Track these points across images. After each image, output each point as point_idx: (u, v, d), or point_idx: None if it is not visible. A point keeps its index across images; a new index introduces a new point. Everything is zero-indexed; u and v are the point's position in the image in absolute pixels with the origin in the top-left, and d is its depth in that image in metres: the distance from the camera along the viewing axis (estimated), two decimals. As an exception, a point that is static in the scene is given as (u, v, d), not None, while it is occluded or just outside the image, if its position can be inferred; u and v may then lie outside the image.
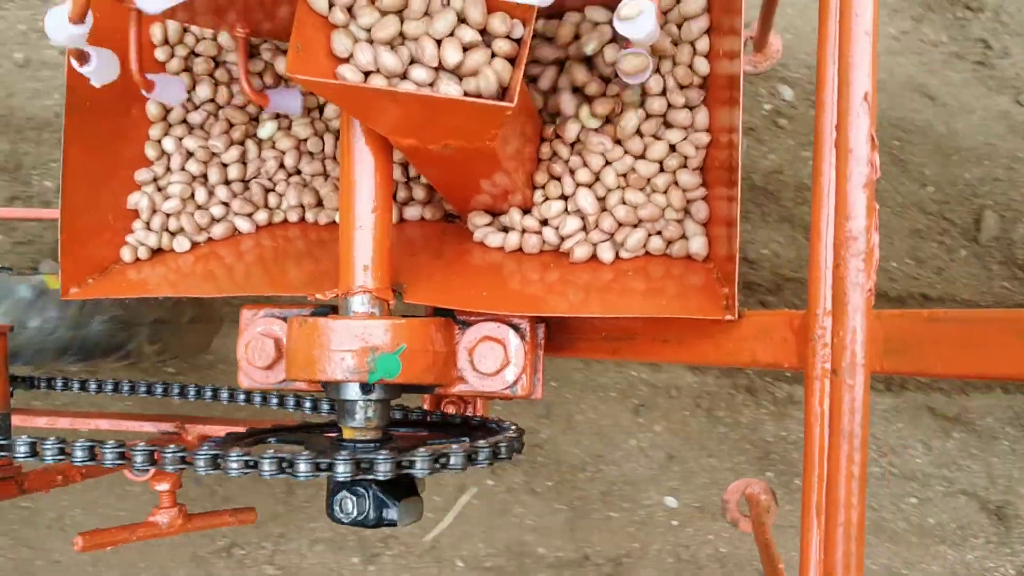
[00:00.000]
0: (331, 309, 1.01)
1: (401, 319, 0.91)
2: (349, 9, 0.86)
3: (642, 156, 1.03)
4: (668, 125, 1.03)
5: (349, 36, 0.86)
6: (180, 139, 1.19)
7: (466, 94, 0.83)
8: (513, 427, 0.97)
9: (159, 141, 1.19)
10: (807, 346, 0.80)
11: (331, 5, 0.86)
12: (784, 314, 0.86)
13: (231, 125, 1.20)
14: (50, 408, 1.59)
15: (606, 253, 1.03)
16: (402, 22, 0.86)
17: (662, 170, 1.03)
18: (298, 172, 1.21)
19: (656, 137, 1.03)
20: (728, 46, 0.93)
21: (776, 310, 0.92)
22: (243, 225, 1.17)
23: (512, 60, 0.86)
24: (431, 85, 0.85)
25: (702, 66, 1.01)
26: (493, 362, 0.98)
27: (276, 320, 1.02)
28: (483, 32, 0.85)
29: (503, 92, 0.85)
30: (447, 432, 1.06)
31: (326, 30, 0.86)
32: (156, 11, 0.83)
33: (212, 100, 1.19)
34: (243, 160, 1.19)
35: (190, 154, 1.18)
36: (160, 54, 1.18)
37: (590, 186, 1.04)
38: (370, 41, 0.85)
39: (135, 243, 1.15)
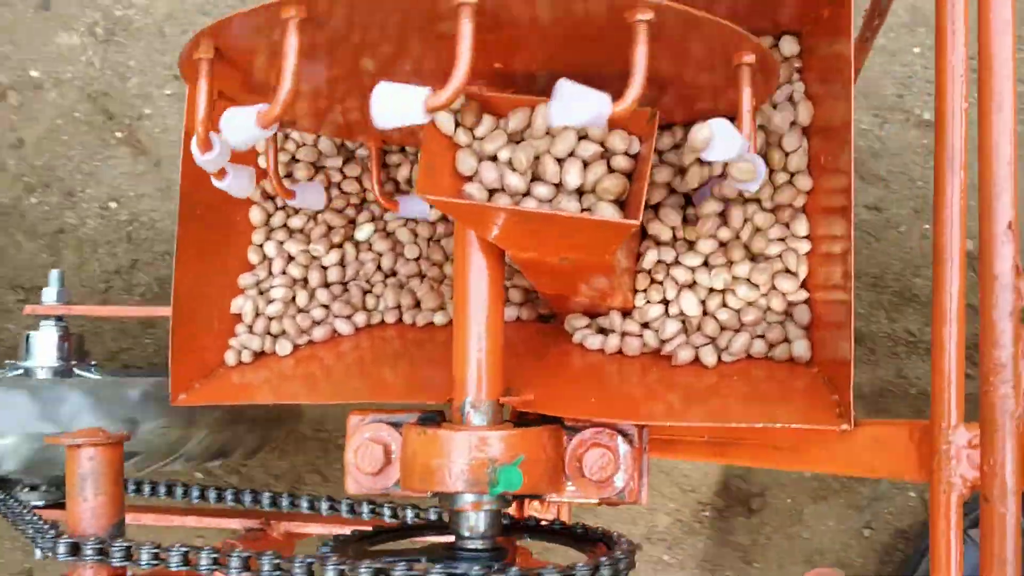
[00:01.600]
0: (439, 415, 1.02)
1: (517, 429, 0.93)
2: (472, 130, 0.89)
3: (743, 261, 1.05)
4: (769, 230, 1.05)
5: (473, 155, 0.89)
6: (281, 243, 1.22)
7: (585, 211, 0.86)
8: (625, 540, 0.97)
9: (261, 246, 1.22)
10: (932, 460, 0.80)
11: (456, 125, 0.89)
12: (904, 424, 0.86)
13: (330, 228, 1.23)
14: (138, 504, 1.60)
15: (709, 356, 1.04)
16: (522, 140, 0.89)
17: (761, 274, 1.05)
18: (394, 273, 1.24)
19: (758, 242, 1.05)
20: (833, 157, 0.96)
21: (895, 420, 0.92)
22: (343, 327, 1.20)
23: (629, 175, 0.88)
24: (551, 202, 0.88)
25: (804, 183, 1.03)
26: (602, 469, 0.99)
27: (384, 426, 1.03)
28: (603, 147, 0.88)
29: (620, 205, 0.88)
30: (550, 538, 1.06)
31: (452, 150, 0.89)
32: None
33: (313, 204, 1.23)
34: (342, 262, 1.23)
35: (291, 258, 1.22)
36: (262, 161, 1.22)
37: (692, 289, 1.05)
38: (494, 159, 0.89)
39: (239, 347, 1.18)
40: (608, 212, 0.87)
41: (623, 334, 1.09)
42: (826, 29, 1.00)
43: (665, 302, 1.07)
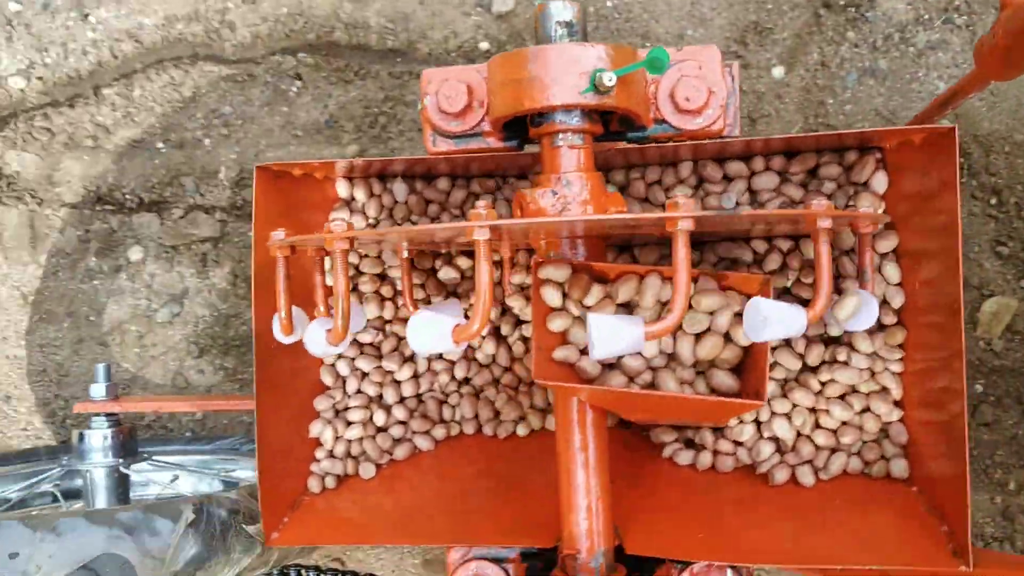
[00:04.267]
0: (544, 555, 1.02)
1: (636, 581, 0.93)
2: (581, 301, 0.87)
3: (836, 383, 1.05)
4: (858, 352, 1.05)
5: (585, 329, 0.87)
6: (352, 360, 1.20)
7: (713, 392, 0.85)
8: None
9: (333, 365, 1.20)
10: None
11: (564, 296, 0.87)
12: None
13: (400, 340, 1.21)
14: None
15: (807, 477, 1.05)
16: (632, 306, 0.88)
17: (856, 393, 1.05)
18: (468, 381, 1.22)
19: (847, 365, 1.05)
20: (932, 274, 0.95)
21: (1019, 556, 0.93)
22: (422, 444, 1.19)
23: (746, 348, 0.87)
24: (664, 369, 0.87)
25: (896, 299, 1.03)
26: (716, 605, 0.99)
27: (488, 564, 1.03)
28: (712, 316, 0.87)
29: (735, 370, 0.87)
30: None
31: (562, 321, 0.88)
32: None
33: (379, 316, 1.21)
34: (415, 375, 1.21)
35: (364, 374, 1.20)
36: (328, 279, 1.19)
37: (787, 415, 1.05)
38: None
39: (321, 473, 1.16)
40: (726, 383, 0.86)
41: (715, 452, 1.09)
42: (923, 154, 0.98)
43: (758, 422, 1.07)
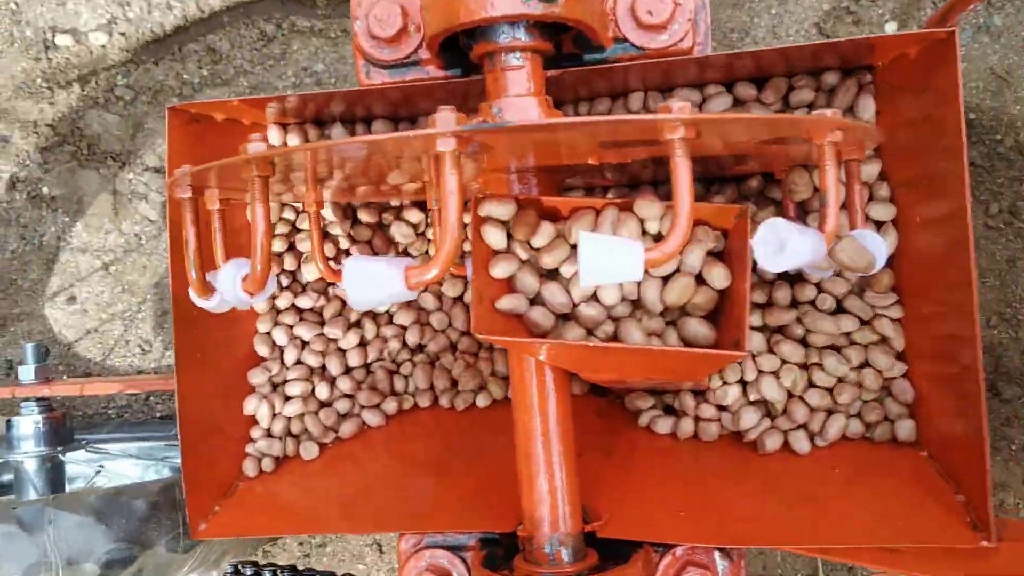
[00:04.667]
0: (502, 539, 0.89)
1: (605, 570, 0.81)
2: (529, 242, 0.75)
3: (830, 334, 0.92)
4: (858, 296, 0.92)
5: (534, 273, 0.74)
6: (291, 327, 1.07)
7: (685, 343, 0.72)
8: None
9: (269, 334, 1.07)
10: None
11: (509, 237, 0.75)
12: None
13: (345, 304, 1.08)
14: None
15: (801, 443, 0.92)
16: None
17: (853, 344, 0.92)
18: (422, 348, 1.10)
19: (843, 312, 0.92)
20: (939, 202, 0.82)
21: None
22: (371, 419, 1.06)
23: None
24: (628, 318, 0.74)
25: (889, 239, 0.90)
26: (701, 591, 0.87)
27: (443, 553, 0.91)
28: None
29: (709, 317, 0.75)
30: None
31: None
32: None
33: (321, 278, 1.08)
34: (363, 342, 1.08)
35: (304, 343, 1.07)
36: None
37: (775, 373, 0.92)
38: (555, 275, 0.74)
39: (258, 454, 1.04)
40: (701, 333, 0.73)
41: (697, 418, 0.96)
42: (918, 67, 0.85)
43: (743, 383, 0.94)
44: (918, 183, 0.87)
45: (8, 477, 1.42)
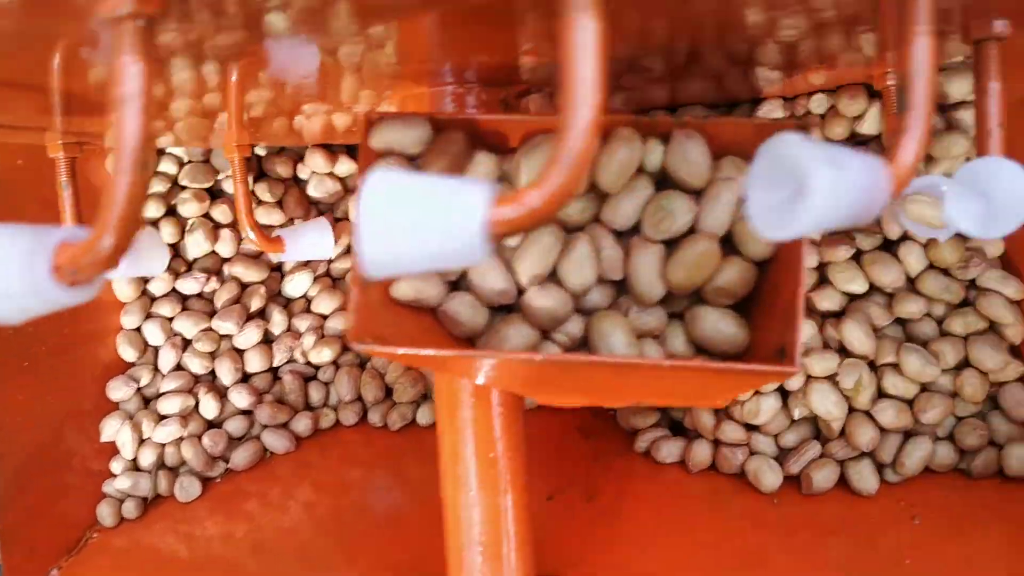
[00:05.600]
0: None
1: None
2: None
3: (913, 321, 0.64)
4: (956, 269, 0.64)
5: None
6: (170, 321, 0.80)
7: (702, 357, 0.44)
8: None
9: (138, 330, 0.80)
10: None
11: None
12: None
13: (243, 287, 0.81)
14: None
15: (866, 479, 0.64)
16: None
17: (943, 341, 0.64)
18: (346, 347, 0.82)
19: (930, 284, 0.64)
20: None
21: None
22: (276, 443, 0.79)
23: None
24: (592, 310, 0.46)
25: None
26: None
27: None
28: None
29: (738, 305, 0.46)
30: None
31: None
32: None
33: (213, 252, 0.80)
34: (267, 339, 0.81)
35: (187, 342, 0.80)
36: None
37: (830, 378, 0.64)
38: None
39: (118, 495, 0.77)
40: (725, 334, 0.45)
41: (717, 442, 0.68)
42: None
43: (783, 392, 0.66)
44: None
45: None
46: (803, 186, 0.31)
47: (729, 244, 0.45)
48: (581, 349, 0.46)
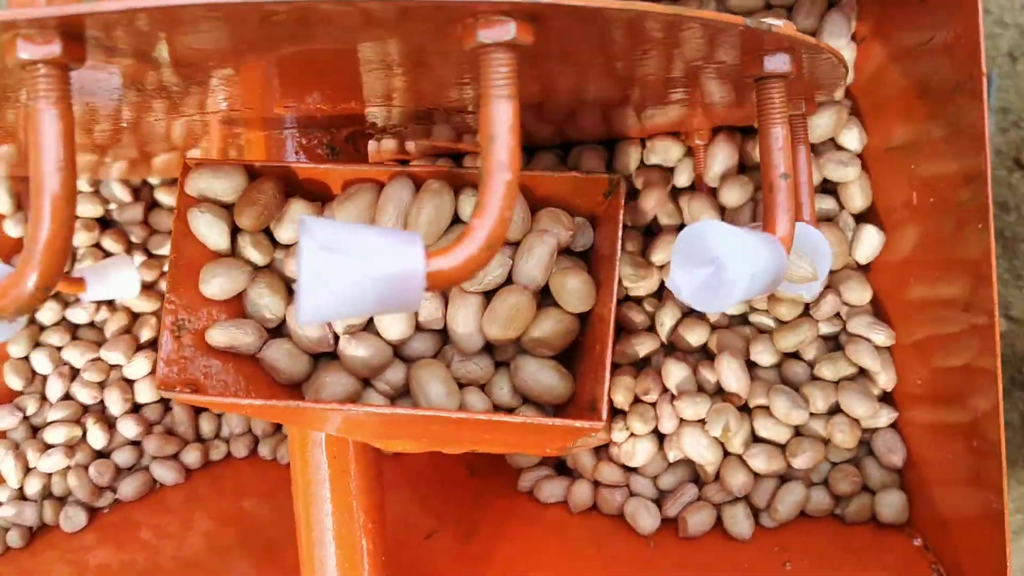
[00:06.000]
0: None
1: None
2: (273, 237, 0.46)
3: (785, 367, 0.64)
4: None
5: (277, 289, 0.45)
6: (58, 350, 0.79)
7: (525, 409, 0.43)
8: None
9: (26, 359, 0.79)
10: None
11: (235, 231, 0.46)
12: None
13: (134, 317, 0.80)
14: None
15: (739, 523, 0.63)
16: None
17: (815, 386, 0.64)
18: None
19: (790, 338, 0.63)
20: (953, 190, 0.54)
21: None
22: (165, 475, 0.78)
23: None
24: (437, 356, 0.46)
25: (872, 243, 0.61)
26: None
27: None
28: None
29: (559, 356, 0.46)
30: None
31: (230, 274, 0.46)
32: None
33: (103, 282, 0.79)
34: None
35: (75, 372, 0.79)
36: (11, 227, 0.78)
37: (702, 423, 0.64)
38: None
39: (2, 523, 0.75)
40: (546, 384, 0.44)
41: (596, 483, 0.68)
42: None
43: (659, 435, 0.66)
44: (914, 145, 0.58)
45: None
46: (719, 267, 0.32)
47: (547, 295, 0.44)
48: (404, 397, 0.46)
